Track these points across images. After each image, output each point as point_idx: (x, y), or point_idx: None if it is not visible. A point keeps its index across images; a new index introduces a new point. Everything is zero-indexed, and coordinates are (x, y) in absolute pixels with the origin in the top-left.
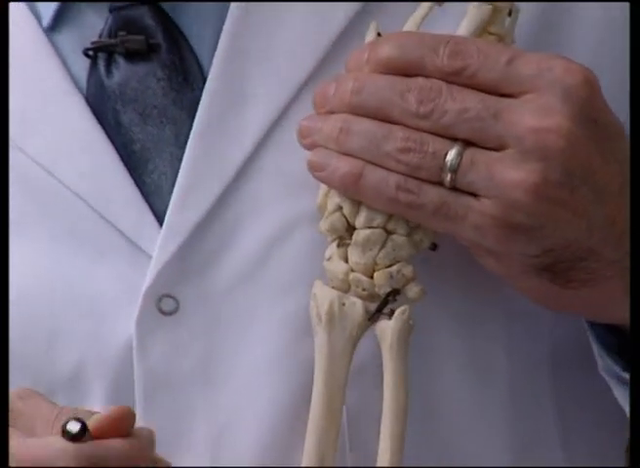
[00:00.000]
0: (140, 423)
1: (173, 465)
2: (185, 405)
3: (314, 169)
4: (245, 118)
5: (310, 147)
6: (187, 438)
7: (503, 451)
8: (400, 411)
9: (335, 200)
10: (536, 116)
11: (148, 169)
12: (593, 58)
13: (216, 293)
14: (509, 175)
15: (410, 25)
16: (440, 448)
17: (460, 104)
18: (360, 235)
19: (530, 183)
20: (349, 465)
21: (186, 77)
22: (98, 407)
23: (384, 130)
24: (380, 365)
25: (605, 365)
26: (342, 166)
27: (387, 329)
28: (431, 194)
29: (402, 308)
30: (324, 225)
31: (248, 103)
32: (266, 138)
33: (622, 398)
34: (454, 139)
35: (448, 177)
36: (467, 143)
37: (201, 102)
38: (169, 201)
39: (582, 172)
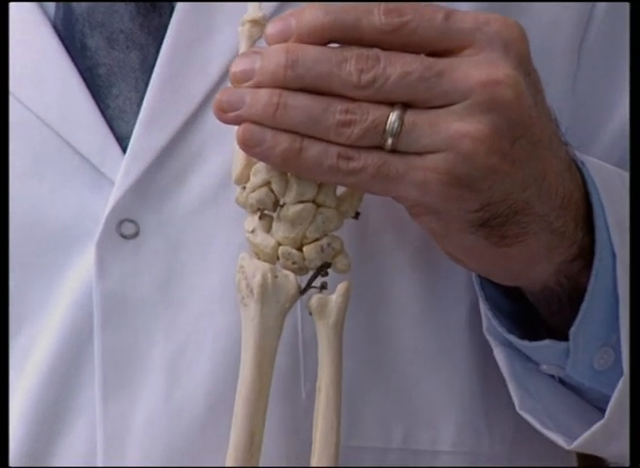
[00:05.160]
0: (97, 344)
1: (127, 387)
2: (143, 327)
3: (247, 145)
4: (212, 46)
5: (235, 122)
6: (144, 359)
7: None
8: (337, 390)
9: (262, 176)
10: (482, 69)
11: (113, 93)
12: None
13: (176, 219)
14: (456, 127)
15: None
16: (398, 399)
17: (400, 68)
18: (290, 210)
19: (478, 133)
20: (305, 396)
21: (154, 2)
22: (55, 331)
23: (323, 104)
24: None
25: (490, 326)
26: (281, 142)
27: (331, 305)
28: (372, 158)
29: (346, 284)
30: (249, 199)
31: (215, 31)
32: None
33: (502, 360)
34: (392, 104)
35: (389, 142)
36: (407, 106)
37: (169, 29)
38: (133, 126)
39: (523, 123)
